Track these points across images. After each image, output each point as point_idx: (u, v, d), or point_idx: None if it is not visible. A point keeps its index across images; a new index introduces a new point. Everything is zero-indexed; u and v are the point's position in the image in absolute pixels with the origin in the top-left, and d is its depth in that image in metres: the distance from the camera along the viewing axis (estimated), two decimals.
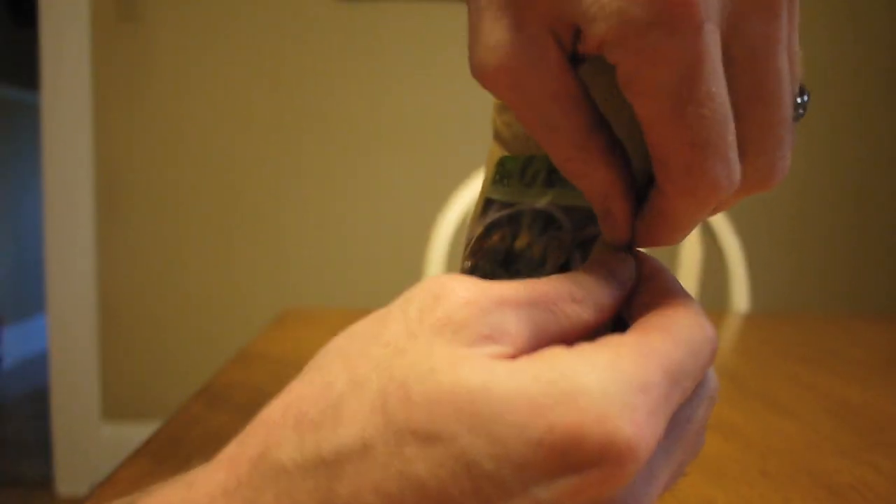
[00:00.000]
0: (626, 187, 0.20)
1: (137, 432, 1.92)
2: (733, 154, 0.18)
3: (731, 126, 0.18)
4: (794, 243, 2.01)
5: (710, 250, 1.86)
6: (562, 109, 0.19)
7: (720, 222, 1.07)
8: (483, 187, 0.24)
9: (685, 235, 0.21)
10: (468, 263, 0.23)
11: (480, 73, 0.19)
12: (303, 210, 1.93)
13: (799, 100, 0.19)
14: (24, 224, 3.28)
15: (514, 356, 0.17)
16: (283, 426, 0.17)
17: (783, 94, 0.18)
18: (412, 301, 0.18)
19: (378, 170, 1.93)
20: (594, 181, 0.20)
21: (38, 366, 3.13)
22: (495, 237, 0.23)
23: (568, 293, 0.19)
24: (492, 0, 0.19)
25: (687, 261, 1.11)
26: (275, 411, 0.17)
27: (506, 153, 0.24)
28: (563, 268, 0.22)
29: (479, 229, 0.23)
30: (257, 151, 1.91)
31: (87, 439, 1.90)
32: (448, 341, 0.17)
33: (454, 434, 0.15)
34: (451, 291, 0.18)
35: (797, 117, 0.19)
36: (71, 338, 1.88)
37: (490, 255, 0.23)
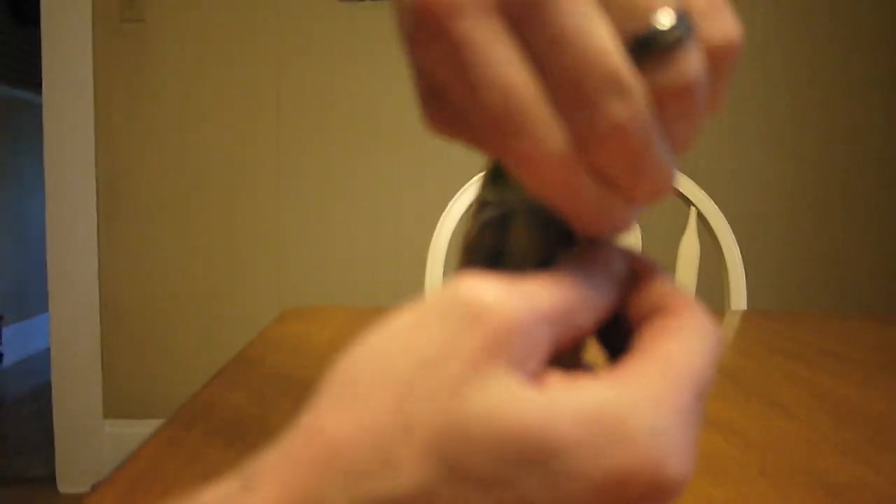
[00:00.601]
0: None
1: (139, 431, 1.92)
2: (542, 123, 0.17)
3: (529, 95, 0.17)
4: (787, 244, 2.01)
5: (707, 250, 1.86)
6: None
7: (718, 222, 1.08)
8: (479, 188, 0.25)
9: (600, 214, 0.19)
10: (462, 261, 0.24)
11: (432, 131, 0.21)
12: (303, 210, 1.93)
13: (659, 24, 0.17)
14: (26, 223, 3.28)
15: (539, 374, 0.17)
16: (327, 470, 0.16)
17: (574, 42, 0.17)
18: (447, 314, 0.17)
19: (378, 170, 1.93)
20: None
21: (38, 364, 3.13)
22: (486, 235, 0.23)
23: (579, 301, 0.19)
24: None
25: (685, 260, 1.11)
26: (313, 450, 0.16)
27: None
28: (547, 261, 0.22)
29: (474, 229, 0.24)
30: (258, 151, 1.91)
31: (88, 437, 1.90)
32: (496, 372, 0.16)
33: (515, 478, 0.15)
34: (489, 305, 0.17)
35: (651, 50, 0.17)
36: (73, 336, 1.89)
37: (481, 252, 0.23)
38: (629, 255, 0.21)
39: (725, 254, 1.07)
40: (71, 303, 1.88)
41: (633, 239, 1.13)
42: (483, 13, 0.17)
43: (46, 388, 2.76)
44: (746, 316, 0.93)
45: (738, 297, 1.06)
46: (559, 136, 0.17)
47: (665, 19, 0.17)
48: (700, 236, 1.87)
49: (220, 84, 1.89)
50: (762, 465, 0.41)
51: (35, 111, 3.33)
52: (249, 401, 0.51)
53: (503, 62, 0.17)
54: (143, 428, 1.93)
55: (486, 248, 0.23)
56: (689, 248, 1.12)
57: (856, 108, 1.99)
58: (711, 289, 1.94)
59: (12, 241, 3.16)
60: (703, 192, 1.09)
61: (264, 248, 1.93)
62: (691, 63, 0.17)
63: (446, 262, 1.02)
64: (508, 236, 0.23)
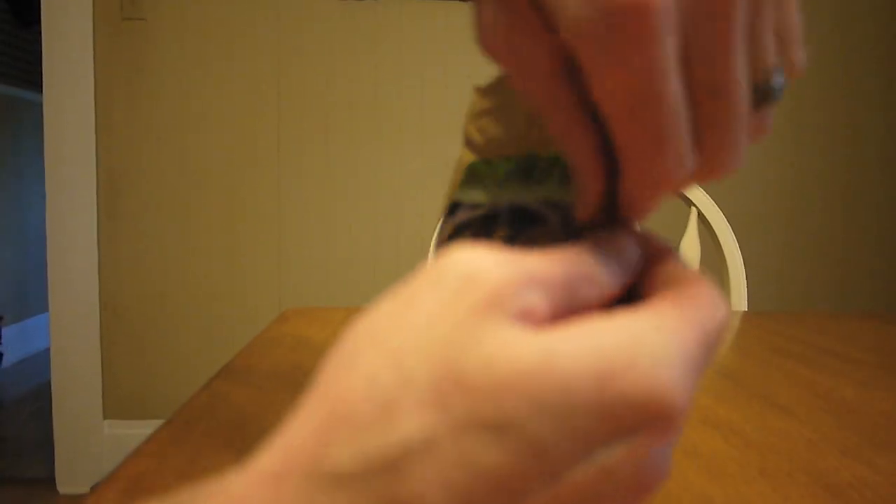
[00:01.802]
0: (599, 167, 0.21)
1: (139, 431, 1.92)
2: (685, 146, 0.19)
3: (684, 121, 0.19)
4: (787, 244, 2.01)
5: (707, 250, 1.86)
6: (551, 83, 0.20)
7: (719, 222, 1.08)
8: (449, 192, 0.24)
9: (648, 211, 0.21)
10: None
11: (483, 49, 0.21)
12: (303, 210, 1.93)
13: (774, 83, 0.20)
14: (26, 223, 3.28)
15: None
16: (331, 428, 0.16)
17: (733, 91, 0.19)
18: (440, 283, 0.17)
19: (378, 170, 1.93)
20: (576, 157, 0.21)
21: (38, 364, 3.13)
22: (466, 236, 0.23)
23: (585, 274, 0.19)
24: None
25: (686, 261, 1.11)
26: (316, 415, 0.16)
27: (475, 159, 0.24)
28: None
29: (448, 230, 0.23)
30: (258, 151, 1.91)
31: (88, 438, 1.90)
32: (491, 324, 0.16)
33: (522, 419, 0.15)
34: (485, 272, 0.17)
35: (763, 101, 0.20)
36: (73, 336, 1.89)
37: None
38: (644, 239, 0.22)
39: (726, 254, 1.07)
40: (71, 302, 1.88)
41: None
42: (673, 35, 0.18)
43: (46, 388, 2.76)
44: (746, 316, 0.93)
45: (739, 298, 1.06)
46: (692, 162, 0.20)
47: (778, 79, 0.20)
48: (700, 236, 1.86)
49: (221, 83, 1.89)
50: (762, 465, 0.41)
51: (35, 111, 3.33)
52: (249, 400, 0.51)
53: (679, 84, 0.19)
54: (143, 429, 1.93)
55: None
56: (690, 248, 1.12)
57: (856, 108, 1.99)
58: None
59: (12, 241, 3.16)
60: (703, 192, 1.09)
61: (264, 248, 1.93)
62: (771, 111, 0.20)
63: None
64: (495, 235, 0.23)
